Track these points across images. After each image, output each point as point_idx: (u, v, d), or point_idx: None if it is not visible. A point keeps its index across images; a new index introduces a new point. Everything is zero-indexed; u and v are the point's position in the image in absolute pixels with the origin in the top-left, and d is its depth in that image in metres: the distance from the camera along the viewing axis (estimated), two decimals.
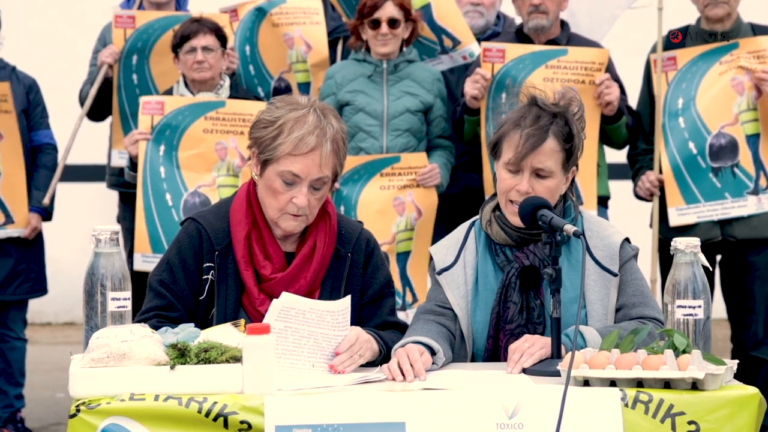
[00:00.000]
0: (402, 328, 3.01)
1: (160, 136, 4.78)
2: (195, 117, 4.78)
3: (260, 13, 5.21)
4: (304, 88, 5.19)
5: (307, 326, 2.75)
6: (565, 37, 4.92)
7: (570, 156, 2.90)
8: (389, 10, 4.77)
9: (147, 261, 4.72)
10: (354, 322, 2.94)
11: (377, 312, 3.01)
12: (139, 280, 3.76)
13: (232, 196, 3.01)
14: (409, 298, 4.89)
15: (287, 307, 2.72)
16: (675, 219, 4.79)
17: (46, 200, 5.04)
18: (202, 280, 2.92)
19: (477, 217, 3.05)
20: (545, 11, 4.81)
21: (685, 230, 4.72)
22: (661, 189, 4.87)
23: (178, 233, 2.98)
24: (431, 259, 3.04)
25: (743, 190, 4.75)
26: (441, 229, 5.02)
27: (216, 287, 2.91)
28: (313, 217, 2.93)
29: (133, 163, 4.83)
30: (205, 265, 2.92)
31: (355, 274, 2.99)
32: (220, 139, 4.78)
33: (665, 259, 4.84)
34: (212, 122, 4.78)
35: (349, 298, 2.82)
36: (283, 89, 5.16)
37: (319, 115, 2.87)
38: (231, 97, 4.86)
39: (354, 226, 3.04)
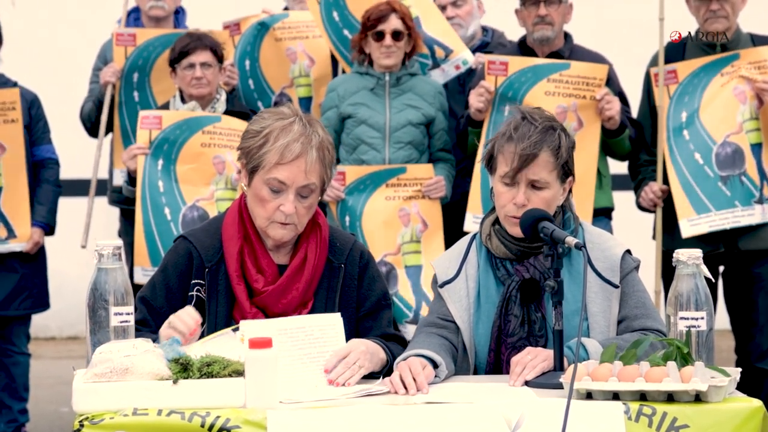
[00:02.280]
0: (400, 340, 3.02)
1: (158, 151, 4.80)
2: (193, 131, 4.80)
3: (263, 27, 5.23)
4: (306, 102, 5.20)
5: (293, 346, 2.74)
6: (568, 49, 4.92)
7: (564, 166, 2.92)
8: (393, 23, 4.80)
9: (147, 275, 4.73)
10: (352, 335, 2.95)
11: (376, 324, 3.01)
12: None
13: (224, 212, 3.03)
14: (425, 311, 4.89)
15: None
16: (687, 230, 4.73)
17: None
18: (187, 296, 2.93)
19: (478, 229, 3.05)
20: (551, 22, 4.82)
21: (689, 241, 4.71)
22: (665, 200, 4.87)
23: (168, 251, 3.01)
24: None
25: (751, 199, 4.74)
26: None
27: (206, 304, 2.93)
28: (302, 227, 2.94)
29: (131, 178, 4.85)
30: (192, 281, 2.93)
31: (349, 286, 3.00)
32: (217, 153, 4.80)
33: (668, 271, 4.83)
34: (210, 136, 4.80)
35: (338, 314, 2.83)
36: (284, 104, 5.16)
37: (305, 124, 2.90)
38: (227, 111, 4.89)
39: (347, 238, 3.05)
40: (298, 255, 2.96)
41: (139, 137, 4.83)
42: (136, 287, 4.30)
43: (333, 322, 2.83)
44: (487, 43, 5.23)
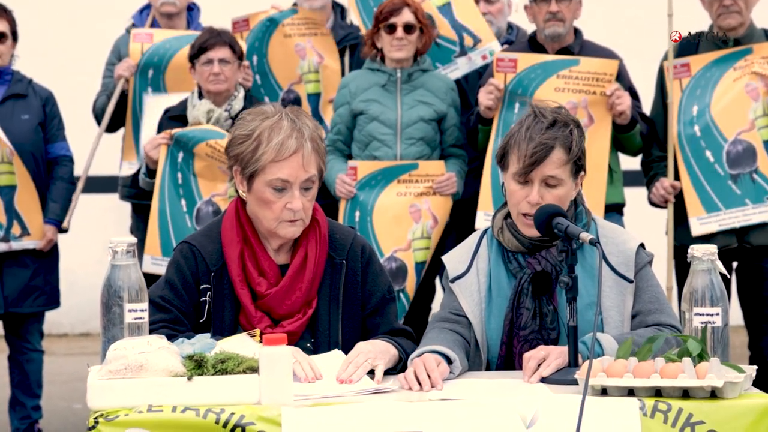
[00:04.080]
0: (408, 334, 3.01)
1: (179, 143, 4.82)
2: (198, 140, 4.80)
3: (272, 23, 5.23)
4: (314, 98, 5.21)
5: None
6: (578, 44, 4.91)
7: (576, 162, 2.91)
8: (405, 16, 4.81)
9: (156, 264, 4.75)
10: (359, 333, 2.96)
11: (383, 320, 3.00)
12: (148, 282, 3.76)
13: (220, 217, 3.01)
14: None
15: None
16: (697, 229, 4.72)
17: (65, 224, 5.07)
18: (201, 302, 2.92)
19: (489, 225, 3.05)
20: (562, 19, 4.81)
21: (701, 237, 4.70)
22: (676, 196, 4.85)
23: (173, 255, 2.97)
24: (443, 267, 3.04)
25: (764, 196, 4.72)
26: (452, 234, 5.04)
27: (212, 308, 2.91)
28: (308, 220, 2.93)
29: (150, 170, 4.87)
30: (202, 286, 2.92)
31: (352, 282, 2.98)
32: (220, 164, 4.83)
33: (681, 266, 4.82)
34: (211, 149, 4.79)
35: (337, 350, 2.83)
36: (291, 101, 5.18)
37: (293, 118, 2.88)
38: (244, 107, 4.88)
39: (347, 232, 3.03)
40: (299, 254, 2.93)
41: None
42: (145, 276, 4.33)
43: (337, 356, 2.81)
44: (512, 41, 5.23)
